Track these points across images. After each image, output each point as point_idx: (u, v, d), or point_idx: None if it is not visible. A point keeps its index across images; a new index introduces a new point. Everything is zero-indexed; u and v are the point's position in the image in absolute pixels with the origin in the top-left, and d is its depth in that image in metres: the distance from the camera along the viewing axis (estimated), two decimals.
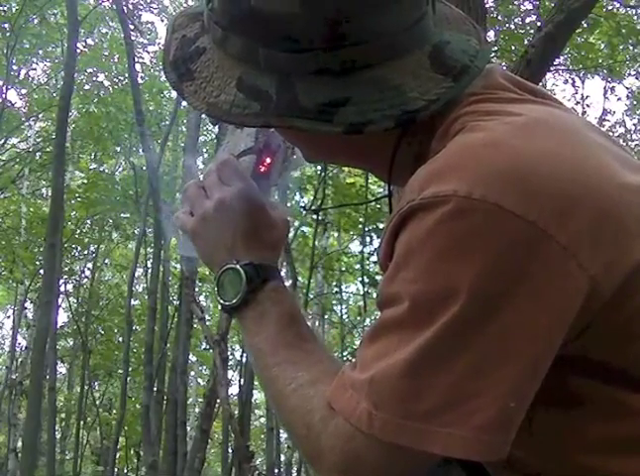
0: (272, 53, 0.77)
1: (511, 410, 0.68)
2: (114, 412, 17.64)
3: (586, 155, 0.72)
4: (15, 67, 14.39)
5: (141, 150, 11.85)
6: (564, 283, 0.67)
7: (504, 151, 0.69)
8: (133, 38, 11.63)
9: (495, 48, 7.60)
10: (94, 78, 14.23)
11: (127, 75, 12.23)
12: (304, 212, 11.44)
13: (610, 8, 8.44)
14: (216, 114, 0.80)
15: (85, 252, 16.65)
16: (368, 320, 14.49)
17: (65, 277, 15.75)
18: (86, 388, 16.45)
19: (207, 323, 10.95)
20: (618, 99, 15.05)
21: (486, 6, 5.79)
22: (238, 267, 0.89)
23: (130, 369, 15.15)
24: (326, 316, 16.26)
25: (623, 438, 0.73)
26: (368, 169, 0.98)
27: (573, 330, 0.69)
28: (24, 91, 15.46)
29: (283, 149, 1.00)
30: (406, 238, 0.70)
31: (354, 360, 0.77)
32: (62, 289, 15.05)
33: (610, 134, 0.92)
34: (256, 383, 15.44)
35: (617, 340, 0.72)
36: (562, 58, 9.20)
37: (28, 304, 16.80)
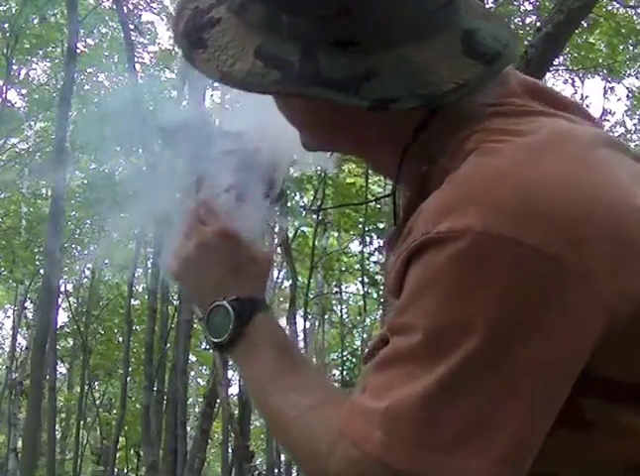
0: (296, 20, 0.75)
1: (529, 441, 0.69)
2: (114, 412, 17.64)
3: (601, 178, 0.71)
4: (15, 67, 14.41)
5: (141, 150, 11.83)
6: (581, 315, 0.67)
7: (518, 183, 0.68)
8: (133, 38, 11.63)
9: None
10: (94, 78, 14.25)
11: (127, 75, 12.23)
12: (304, 212, 11.44)
13: (610, 8, 8.44)
14: (230, 82, 0.78)
15: (85, 252, 16.65)
16: (368, 320, 14.49)
17: (65, 277, 15.77)
18: (86, 388, 16.46)
19: None
20: (618, 99, 15.05)
21: (487, 6, 5.80)
22: (225, 303, 0.89)
23: (130, 369, 15.16)
24: (326, 316, 16.27)
25: (632, 462, 0.73)
26: (371, 160, 0.94)
27: (588, 353, 0.69)
28: (24, 91, 15.48)
29: (263, 183, 1.00)
30: (420, 271, 0.70)
31: (361, 385, 0.76)
32: (62, 289, 15.06)
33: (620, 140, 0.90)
34: None
35: (630, 360, 0.71)
36: (562, 58, 9.21)
37: (28, 304, 16.81)
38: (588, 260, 0.67)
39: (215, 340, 0.90)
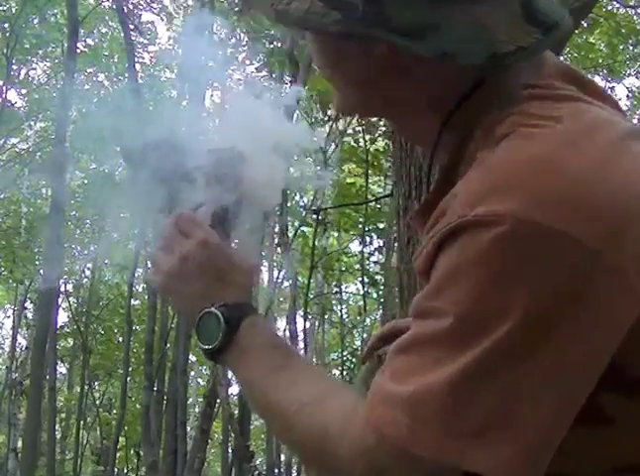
0: None
1: (555, 432, 0.68)
2: (114, 412, 17.63)
3: (636, 169, 0.71)
4: (15, 67, 14.40)
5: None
6: (614, 309, 0.67)
7: (559, 171, 0.68)
8: (133, 38, 11.63)
9: None
10: (94, 78, 14.24)
11: (127, 75, 12.22)
12: (304, 212, 11.44)
13: (610, 8, 8.44)
14: (286, 21, 0.77)
15: (85, 252, 16.66)
16: (368, 320, 14.48)
17: (65, 277, 15.76)
18: (86, 388, 16.45)
19: None
20: (618, 99, 15.04)
21: None
22: (214, 309, 0.89)
23: (130, 369, 15.15)
24: (326, 316, 16.26)
25: None
26: (404, 125, 0.91)
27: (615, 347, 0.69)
28: (24, 91, 15.47)
29: (236, 198, 1.00)
30: (455, 255, 0.69)
31: (384, 369, 0.75)
32: (62, 289, 15.06)
33: None
34: None
35: None
36: (562, 57, 9.21)
37: (28, 304, 16.81)
38: (624, 254, 0.66)
39: (207, 347, 0.90)
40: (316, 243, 13.17)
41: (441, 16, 0.74)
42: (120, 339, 16.42)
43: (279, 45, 9.74)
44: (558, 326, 0.66)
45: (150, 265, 0.97)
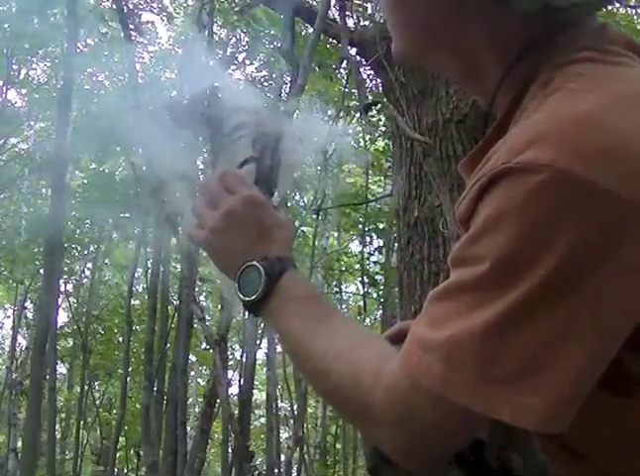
0: None
1: (584, 383, 0.68)
2: (114, 412, 17.63)
3: None
4: (15, 67, 14.39)
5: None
6: None
7: (605, 129, 0.68)
8: (133, 38, 11.62)
9: None
10: (94, 78, 14.23)
11: (127, 75, 12.21)
12: (304, 212, 11.43)
13: (610, 8, 8.44)
14: None
15: (85, 252, 16.64)
16: (368, 320, 14.48)
17: (65, 277, 15.75)
18: (86, 388, 16.45)
19: (207, 323, 10.96)
20: None
21: None
22: (255, 263, 0.92)
23: (130, 369, 15.15)
24: None
25: None
26: (466, 72, 0.92)
27: None
28: (24, 91, 15.46)
29: (280, 155, 1.02)
30: (495, 201, 0.69)
31: (420, 316, 0.75)
32: (62, 289, 15.06)
33: None
34: (256, 383, 15.42)
35: None
36: None
37: (28, 304, 16.81)
38: None
39: (246, 299, 0.93)
40: (316, 243, 13.17)
41: None
42: (120, 339, 16.41)
43: (280, 45, 9.74)
44: (592, 275, 0.66)
45: (191, 220, 0.98)
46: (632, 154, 0.67)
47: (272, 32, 9.27)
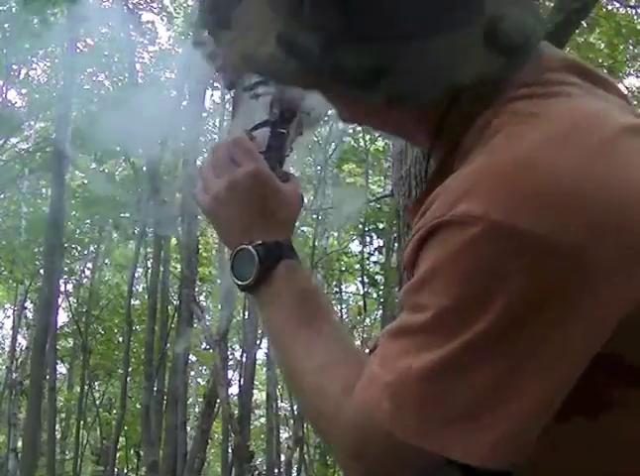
0: (317, 11, 0.74)
1: (533, 422, 0.69)
2: (114, 412, 17.64)
3: (628, 168, 0.69)
4: (15, 67, 14.40)
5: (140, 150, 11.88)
6: (599, 305, 0.67)
7: (539, 174, 0.68)
8: (133, 38, 11.64)
9: None
10: (94, 78, 14.25)
11: (127, 75, 12.23)
12: (304, 212, 11.44)
13: (610, 8, 8.45)
14: (252, 68, 0.78)
15: (85, 252, 16.66)
16: (368, 320, 14.49)
17: (65, 277, 15.77)
18: (86, 388, 16.46)
19: (207, 323, 10.97)
20: None
21: None
22: (250, 248, 0.89)
23: (130, 369, 15.16)
24: None
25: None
26: (407, 138, 0.94)
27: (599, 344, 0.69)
28: (24, 91, 15.48)
29: (298, 119, 1.00)
30: (433, 253, 0.70)
31: (376, 352, 0.77)
32: (62, 289, 15.07)
33: None
34: (256, 383, 15.43)
35: None
36: None
37: (28, 304, 16.82)
38: (609, 253, 0.66)
39: (239, 282, 0.91)
40: (316, 243, 13.18)
41: (393, 57, 0.74)
42: (120, 339, 16.43)
43: None
44: (532, 323, 0.67)
45: (199, 179, 0.95)
46: (567, 198, 0.67)
47: None
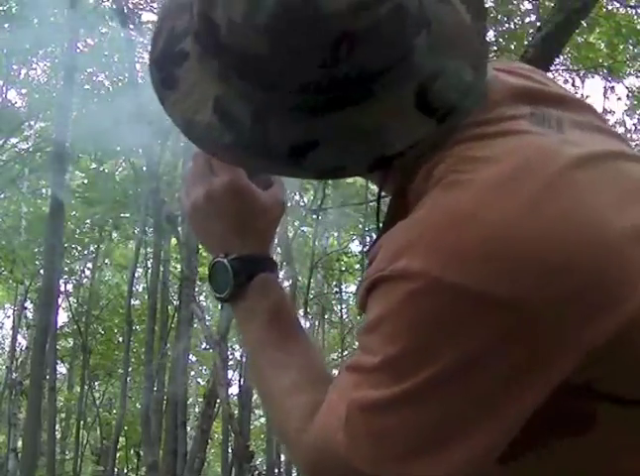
0: (247, 85, 0.73)
1: (478, 461, 0.70)
2: (114, 412, 17.64)
3: (572, 209, 0.68)
4: (15, 67, 14.40)
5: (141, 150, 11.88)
6: (545, 351, 0.67)
7: (477, 228, 0.68)
8: (133, 38, 11.63)
9: (495, 48, 7.60)
10: (94, 78, 14.24)
11: (127, 75, 12.22)
12: (304, 212, 11.43)
13: (610, 8, 8.45)
14: (191, 136, 0.77)
15: (85, 252, 16.66)
16: None
17: (65, 277, 15.77)
18: (86, 388, 16.46)
19: (207, 323, 10.96)
20: (618, 99, 15.02)
21: (486, 6, 5.78)
22: (225, 261, 0.89)
23: (130, 369, 15.16)
24: (326, 316, 16.27)
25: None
26: (374, 184, 0.94)
27: (569, 372, 0.69)
28: (24, 91, 15.48)
29: None
30: (378, 304, 0.72)
31: (335, 380, 0.79)
32: (62, 289, 15.07)
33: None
34: None
35: (622, 375, 0.71)
36: (562, 57, 9.20)
37: (28, 304, 16.81)
38: (554, 302, 0.66)
39: (216, 295, 0.91)
40: (316, 243, 13.18)
41: (322, 128, 0.73)
42: (120, 339, 16.43)
43: None
44: (472, 372, 0.68)
45: (183, 182, 0.96)
46: (504, 251, 0.66)
47: None
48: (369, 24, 0.68)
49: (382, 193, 0.86)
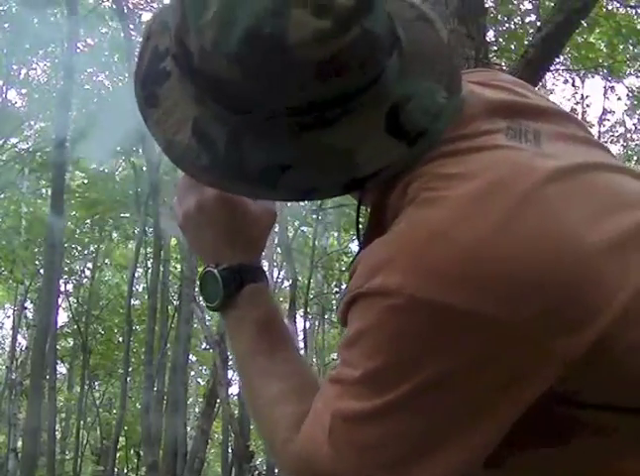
0: (221, 108, 0.75)
1: (462, 468, 0.72)
2: (114, 412, 17.65)
3: (544, 226, 0.69)
4: (15, 67, 14.41)
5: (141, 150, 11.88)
6: (520, 368, 0.68)
7: (450, 246, 0.68)
8: (133, 38, 11.63)
9: (495, 48, 7.60)
10: (94, 78, 14.26)
11: (127, 75, 12.22)
12: (304, 212, 11.44)
13: (610, 8, 8.45)
14: (171, 156, 0.78)
15: (85, 252, 16.67)
16: None
17: (65, 277, 15.77)
18: (86, 388, 16.47)
19: (207, 323, 10.97)
20: (618, 99, 15.03)
21: (486, 6, 5.79)
22: (215, 272, 0.90)
23: (130, 369, 15.17)
24: (326, 316, 16.28)
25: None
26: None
27: (548, 385, 0.70)
28: (24, 91, 15.48)
29: None
30: (357, 319, 0.73)
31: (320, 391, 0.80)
32: (62, 289, 15.07)
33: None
34: None
35: (603, 385, 0.71)
36: (562, 57, 9.20)
37: (28, 304, 16.82)
38: (529, 318, 0.67)
39: (207, 304, 0.92)
40: (316, 243, 13.19)
41: (294, 151, 0.74)
42: (120, 339, 16.44)
43: None
44: (449, 388, 0.69)
45: (176, 190, 0.96)
46: (478, 269, 0.67)
47: None
48: (335, 51, 0.69)
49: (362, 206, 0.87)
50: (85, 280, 17.31)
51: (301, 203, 12.76)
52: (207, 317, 10.78)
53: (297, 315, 12.73)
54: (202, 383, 18.99)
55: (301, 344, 13.32)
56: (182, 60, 0.75)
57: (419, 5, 0.82)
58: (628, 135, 13.85)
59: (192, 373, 17.79)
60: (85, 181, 14.59)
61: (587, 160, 0.78)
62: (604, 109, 13.68)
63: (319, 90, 0.71)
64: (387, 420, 0.71)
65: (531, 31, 7.31)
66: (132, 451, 17.48)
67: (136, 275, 15.43)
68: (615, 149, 14.31)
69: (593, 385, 0.70)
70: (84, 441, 17.42)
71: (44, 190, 15.49)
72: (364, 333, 0.72)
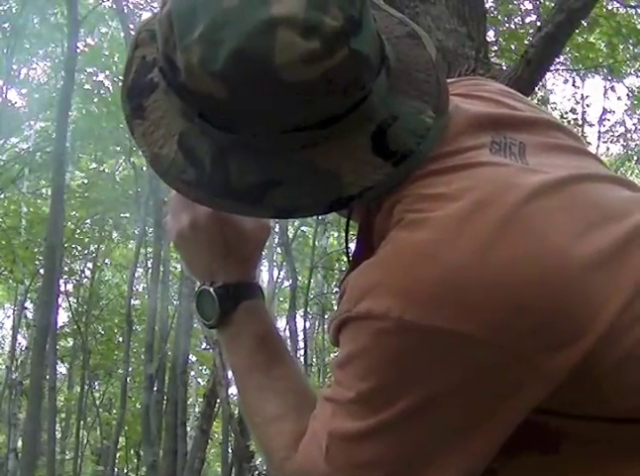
0: (207, 125, 0.74)
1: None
2: (114, 412, 17.65)
3: (529, 244, 0.69)
4: (15, 67, 14.40)
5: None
6: (508, 386, 0.69)
7: (436, 266, 0.68)
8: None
9: (495, 48, 7.60)
10: (94, 78, 14.24)
11: None
12: None
13: (610, 8, 8.45)
14: (157, 170, 0.78)
15: (85, 252, 16.66)
16: None
17: (65, 277, 15.76)
18: (86, 388, 16.46)
19: None
20: (618, 99, 15.01)
21: (486, 6, 5.79)
22: (211, 290, 0.90)
23: (130, 369, 15.16)
24: (326, 316, 16.25)
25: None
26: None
27: (537, 401, 0.70)
28: (24, 91, 15.48)
29: None
30: (347, 342, 0.74)
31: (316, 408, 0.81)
32: (62, 289, 15.06)
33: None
34: None
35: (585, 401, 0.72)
36: (562, 57, 9.20)
37: (28, 304, 16.81)
38: (517, 337, 0.67)
39: (204, 322, 0.92)
40: (316, 243, 13.19)
41: (280, 169, 0.74)
42: (120, 339, 16.43)
43: None
44: (440, 406, 0.70)
45: (168, 208, 0.96)
46: (464, 291, 0.67)
47: None
48: (323, 73, 0.69)
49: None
50: (85, 280, 17.29)
51: None
52: None
53: (297, 315, 12.73)
54: (202, 383, 18.99)
55: (301, 344, 13.32)
56: (169, 75, 0.75)
57: (408, 21, 0.81)
58: (628, 135, 13.84)
59: (192, 373, 17.78)
60: (85, 181, 14.57)
61: (572, 172, 0.77)
62: (604, 109, 13.68)
63: (306, 111, 0.71)
64: (382, 439, 0.72)
65: (531, 31, 7.31)
66: (132, 451, 17.47)
67: (136, 275, 15.42)
68: (615, 149, 14.31)
69: (582, 398, 0.71)
70: (84, 441, 17.42)
71: (44, 190, 15.48)
72: (355, 356, 0.72)
